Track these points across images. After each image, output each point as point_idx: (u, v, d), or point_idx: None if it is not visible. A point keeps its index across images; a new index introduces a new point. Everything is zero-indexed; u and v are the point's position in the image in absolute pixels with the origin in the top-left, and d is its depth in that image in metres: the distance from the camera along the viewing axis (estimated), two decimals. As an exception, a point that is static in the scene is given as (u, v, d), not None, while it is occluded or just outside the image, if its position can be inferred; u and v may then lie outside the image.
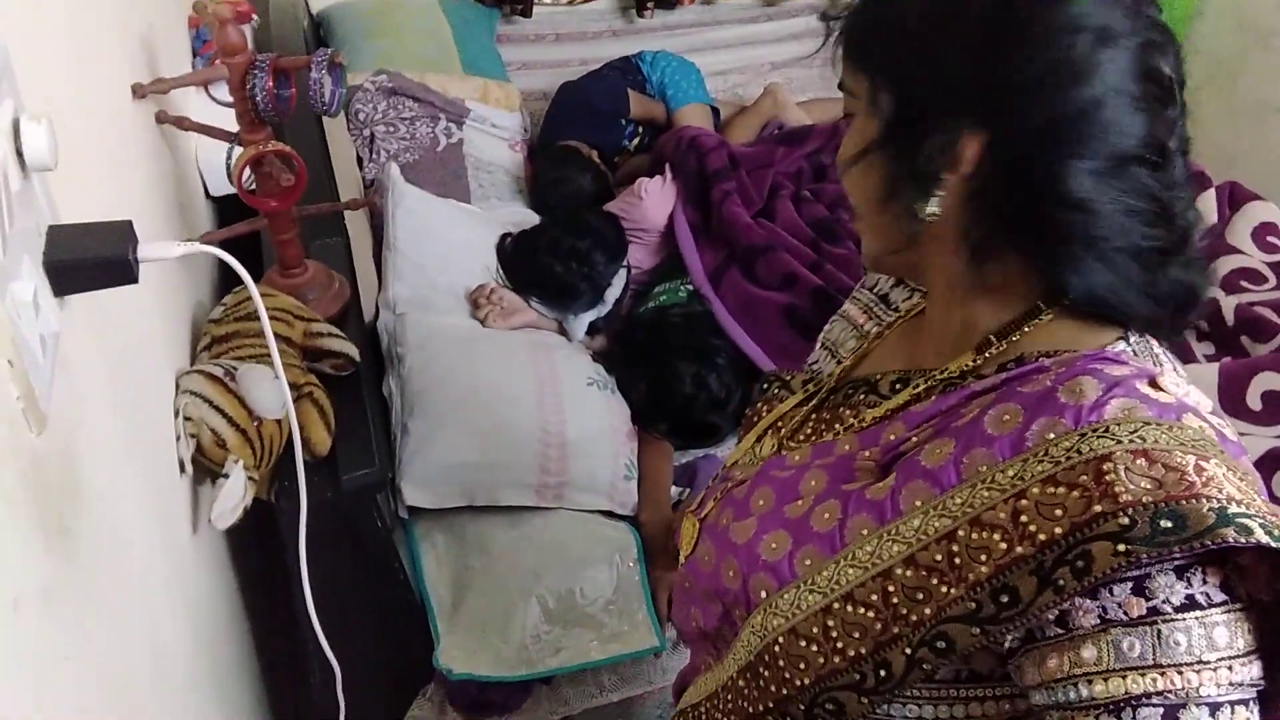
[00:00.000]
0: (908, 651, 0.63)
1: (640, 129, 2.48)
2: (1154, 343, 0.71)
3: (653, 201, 2.05)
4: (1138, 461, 0.58)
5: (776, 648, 0.69)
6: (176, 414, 1.11)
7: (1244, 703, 0.56)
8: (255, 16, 1.89)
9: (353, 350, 1.34)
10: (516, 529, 1.55)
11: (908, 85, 0.68)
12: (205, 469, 1.14)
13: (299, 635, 1.31)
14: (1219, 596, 0.56)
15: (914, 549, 0.64)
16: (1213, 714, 0.55)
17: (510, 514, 1.56)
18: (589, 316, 1.94)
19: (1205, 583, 0.56)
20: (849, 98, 0.72)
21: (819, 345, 0.98)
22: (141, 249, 0.64)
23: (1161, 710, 0.55)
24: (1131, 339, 0.69)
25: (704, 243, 2.00)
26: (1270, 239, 2.19)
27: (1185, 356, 2.03)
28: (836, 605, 0.67)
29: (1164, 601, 0.56)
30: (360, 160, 2.20)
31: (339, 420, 1.27)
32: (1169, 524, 0.55)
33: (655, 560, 1.56)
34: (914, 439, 0.69)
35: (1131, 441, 0.59)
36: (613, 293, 1.97)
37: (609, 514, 1.62)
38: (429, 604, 1.48)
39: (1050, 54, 0.63)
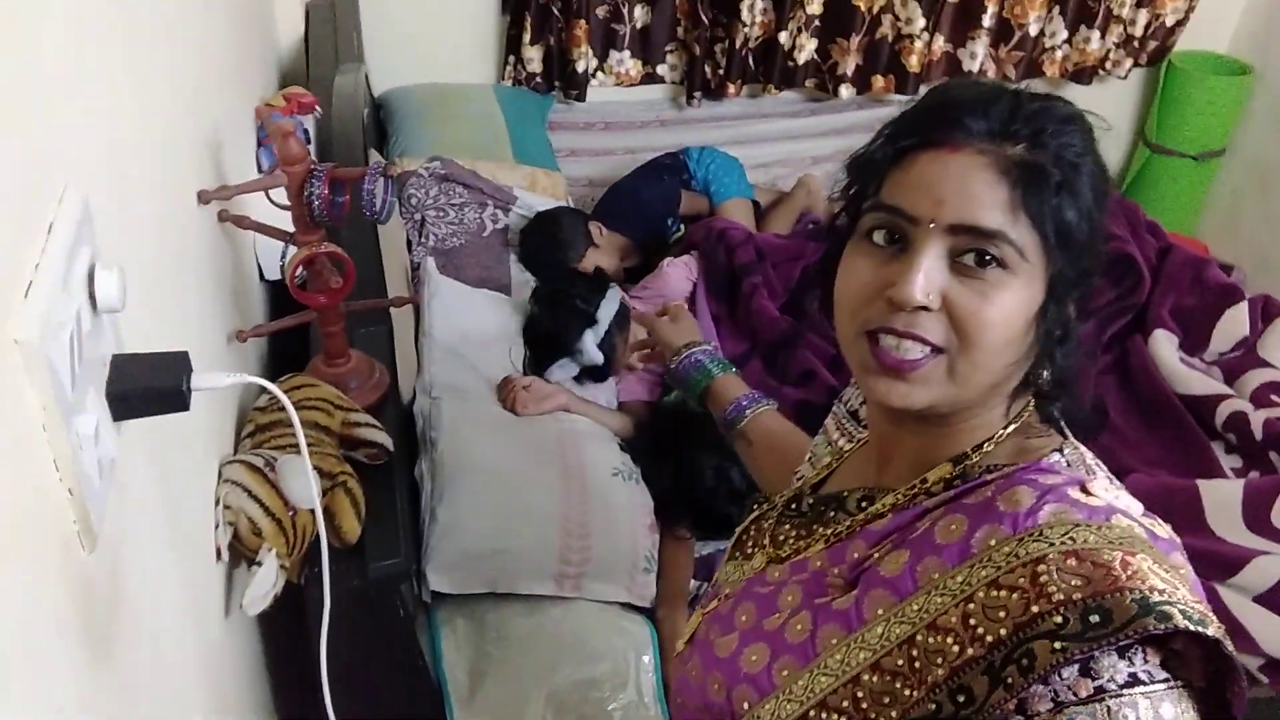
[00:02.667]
0: None
1: (684, 223, 2.55)
2: (1087, 454, 0.76)
3: (674, 270, 2.17)
4: (1069, 561, 0.63)
5: None
6: (217, 502, 1.18)
7: None
8: (319, 108, 2.00)
9: (388, 441, 1.40)
10: (533, 618, 1.59)
11: (1071, 258, 0.71)
12: (239, 554, 1.20)
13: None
14: (1161, 674, 0.60)
15: (879, 655, 0.68)
16: None
17: (529, 602, 1.60)
18: (590, 339, 1.98)
19: (1146, 661, 0.60)
20: (1014, 255, 0.69)
21: (806, 458, 1.01)
22: (195, 379, 0.70)
23: None
24: (1065, 451, 0.74)
25: (726, 333, 2.05)
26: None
27: (1212, 470, 2.03)
28: (812, 713, 0.70)
29: (1109, 680, 0.60)
30: (410, 244, 2.29)
31: (370, 508, 1.32)
32: (1097, 618, 0.60)
33: (669, 658, 1.59)
34: (875, 554, 0.74)
35: (1063, 543, 0.64)
36: (606, 312, 2.01)
37: (627, 606, 1.65)
38: (446, 690, 1.51)
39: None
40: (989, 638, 0.63)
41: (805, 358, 1.93)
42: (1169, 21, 3.21)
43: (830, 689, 0.70)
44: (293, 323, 1.39)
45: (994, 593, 0.64)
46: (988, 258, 0.69)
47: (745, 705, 0.75)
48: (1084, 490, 0.68)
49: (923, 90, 3.11)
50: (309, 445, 1.31)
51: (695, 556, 1.78)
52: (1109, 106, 3.41)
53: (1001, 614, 0.63)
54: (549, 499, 1.66)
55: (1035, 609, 0.62)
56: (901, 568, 0.70)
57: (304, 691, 1.47)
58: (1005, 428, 0.76)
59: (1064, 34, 3.15)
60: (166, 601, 0.93)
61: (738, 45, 2.89)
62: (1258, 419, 2.05)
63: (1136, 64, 3.28)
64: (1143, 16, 3.15)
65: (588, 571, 1.62)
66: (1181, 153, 3.27)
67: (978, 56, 3.10)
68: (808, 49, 3.01)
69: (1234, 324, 2.30)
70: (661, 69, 2.99)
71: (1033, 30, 3.09)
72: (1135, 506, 0.69)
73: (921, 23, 2.98)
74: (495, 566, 1.59)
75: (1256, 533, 1.84)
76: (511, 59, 2.88)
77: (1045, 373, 0.75)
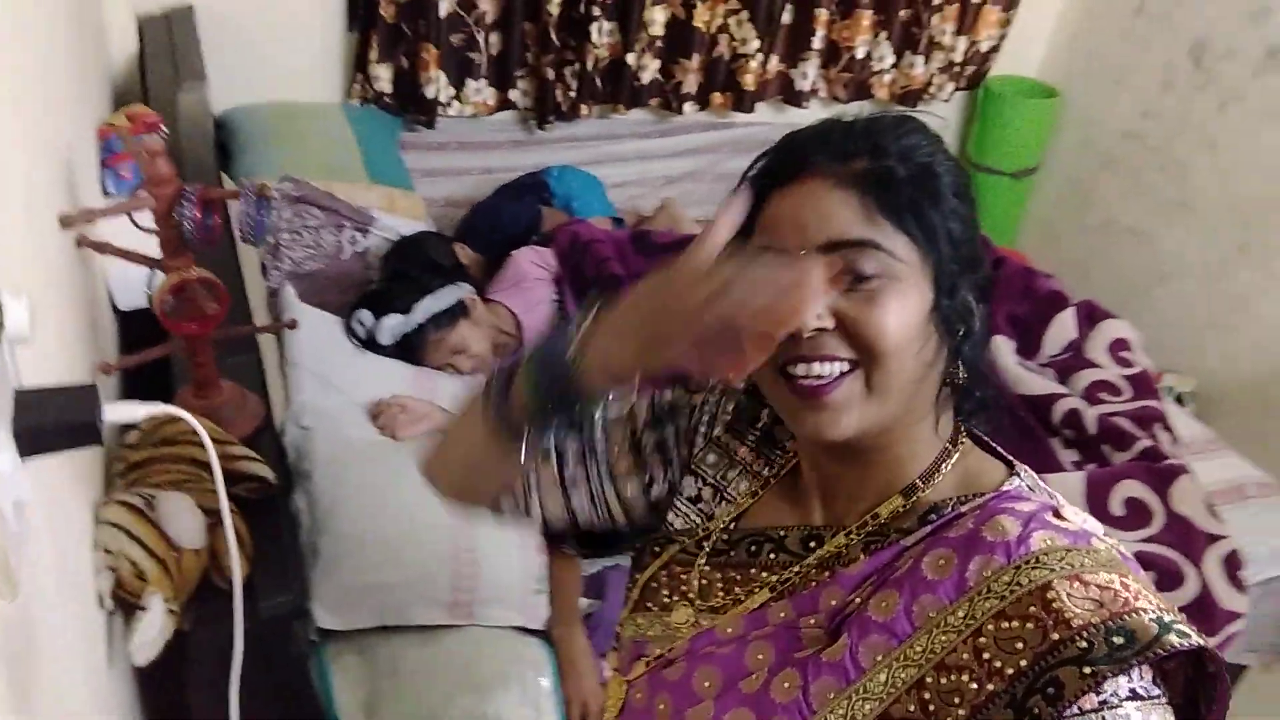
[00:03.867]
0: None
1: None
2: (1035, 476, 0.77)
3: (522, 256, 2.19)
4: (1074, 586, 0.63)
5: None
6: (95, 546, 1.10)
7: None
8: (164, 127, 1.90)
9: (269, 473, 1.34)
10: (428, 648, 1.55)
11: (948, 252, 0.72)
12: (123, 601, 1.12)
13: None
14: (1155, 690, 0.62)
15: (886, 704, 0.65)
16: None
17: (421, 632, 1.56)
18: (392, 322, 1.97)
19: (1143, 678, 0.61)
20: (887, 259, 0.70)
21: (694, 476, 0.90)
22: (107, 411, 0.66)
23: None
24: (1022, 475, 0.76)
25: None
26: (1123, 354, 2.38)
27: (1052, 464, 2.18)
28: None
29: (1112, 695, 0.60)
30: (264, 268, 2.20)
31: (255, 545, 1.26)
32: (1121, 640, 0.60)
33: (566, 676, 1.58)
34: (856, 599, 0.71)
35: (1063, 569, 0.64)
36: (424, 308, 2.01)
37: (520, 629, 1.63)
38: (338, 726, 1.46)
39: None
40: (1009, 670, 0.61)
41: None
42: (984, 48, 3.43)
43: None
44: (160, 352, 1.31)
45: (1004, 624, 0.63)
46: (863, 269, 0.70)
47: None
48: (1057, 515, 0.68)
49: (759, 108, 3.26)
50: (186, 482, 1.25)
51: (584, 575, 1.78)
52: (933, 128, 3.61)
53: (1019, 645, 0.62)
54: (435, 526, 1.62)
55: (1055, 636, 0.61)
56: (895, 610, 0.68)
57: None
58: (950, 456, 0.76)
59: (891, 58, 3.32)
60: (64, 651, 0.86)
61: (588, 67, 2.91)
62: (1091, 415, 2.21)
63: (958, 88, 3.49)
64: (962, 43, 3.36)
65: (479, 597, 1.59)
66: (999, 170, 3.50)
67: (809, 77, 3.23)
68: (651, 69, 3.07)
69: (1062, 328, 2.47)
70: (514, 95, 2.98)
71: (860, 54, 3.25)
72: (1097, 525, 0.71)
73: (756, 43, 3.09)
74: (384, 599, 1.54)
75: (1099, 520, 1.99)
76: (359, 77, 2.81)
77: (959, 369, 0.76)
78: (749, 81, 3.15)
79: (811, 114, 3.35)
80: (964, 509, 0.72)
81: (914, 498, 0.75)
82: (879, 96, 3.38)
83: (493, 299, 2.18)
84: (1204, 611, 1.84)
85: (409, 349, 2.00)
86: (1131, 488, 2.00)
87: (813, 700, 0.68)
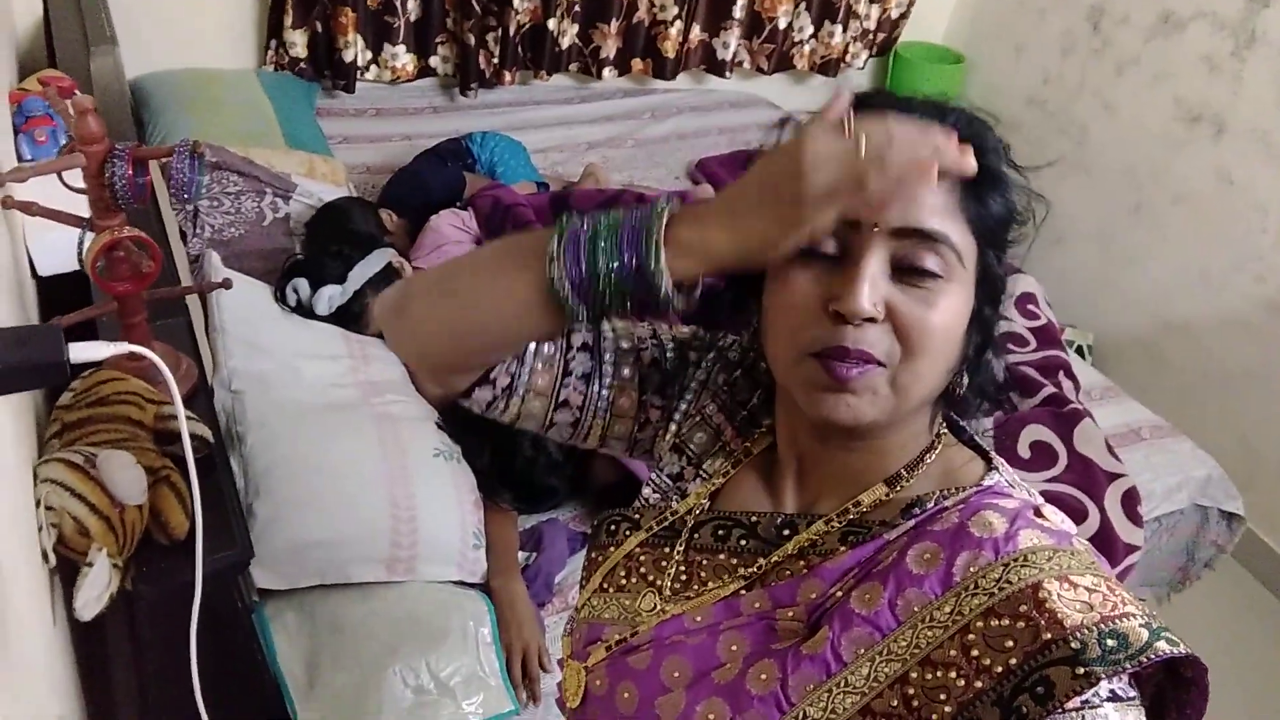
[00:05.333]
0: None
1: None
2: (1012, 471, 0.76)
3: (442, 221, 2.21)
4: (1064, 587, 0.61)
5: None
6: (38, 504, 1.10)
7: None
8: (78, 91, 1.86)
9: (206, 432, 1.35)
10: (368, 604, 1.57)
11: (998, 263, 0.71)
12: (66, 558, 1.13)
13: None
14: (1131, 692, 0.61)
15: (868, 698, 0.64)
16: None
17: (361, 589, 1.59)
18: (330, 292, 1.98)
19: (1121, 679, 0.60)
20: (953, 259, 0.68)
21: (679, 453, 0.88)
22: (73, 350, 0.67)
23: None
24: (1001, 469, 0.75)
25: None
26: (1029, 307, 2.50)
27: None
28: None
29: (1093, 695, 0.59)
30: (184, 235, 2.17)
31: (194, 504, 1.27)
32: (1114, 643, 0.59)
33: (506, 625, 1.62)
34: (838, 593, 0.69)
35: (1051, 568, 0.63)
36: (359, 273, 2.01)
37: (459, 583, 1.67)
38: (284, 684, 1.47)
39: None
40: (997, 668, 0.60)
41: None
42: (894, 15, 3.53)
43: None
44: (96, 312, 1.30)
45: (994, 621, 0.62)
46: (929, 265, 0.67)
47: None
48: (1038, 514, 0.68)
49: (681, 77, 3.30)
50: (124, 441, 1.25)
51: (521, 529, 1.81)
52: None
53: (1009, 643, 0.60)
54: (372, 484, 1.64)
55: (1048, 635, 0.59)
56: (879, 603, 0.66)
57: (119, 703, 1.39)
58: (932, 447, 0.75)
59: (810, 29, 3.39)
60: (18, 609, 0.87)
61: (510, 33, 2.92)
62: (998, 365, 2.32)
63: (870, 55, 3.58)
64: (875, 11, 3.45)
65: (419, 553, 1.61)
66: (910, 135, 3.61)
67: (730, 47, 3.29)
68: (570, 34, 3.09)
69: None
70: (434, 61, 2.98)
71: (781, 24, 3.31)
72: (1069, 523, 0.70)
73: (675, 10, 3.13)
74: (323, 557, 1.56)
75: (1008, 463, 2.10)
76: (273, 43, 2.77)
77: (964, 376, 0.73)
78: (668, 49, 3.19)
79: (734, 84, 3.42)
80: (947, 503, 0.71)
81: (896, 488, 0.74)
82: (800, 67, 3.45)
83: (417, 265, 2.19)
84: (1105, 544, 1.97)
85: (346, 317, 2.00)
86: (1038, 431, 2.11)
87: (791, 693, 0.66)
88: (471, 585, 1.68)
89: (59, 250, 1.47)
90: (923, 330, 0.67)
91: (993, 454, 0.77)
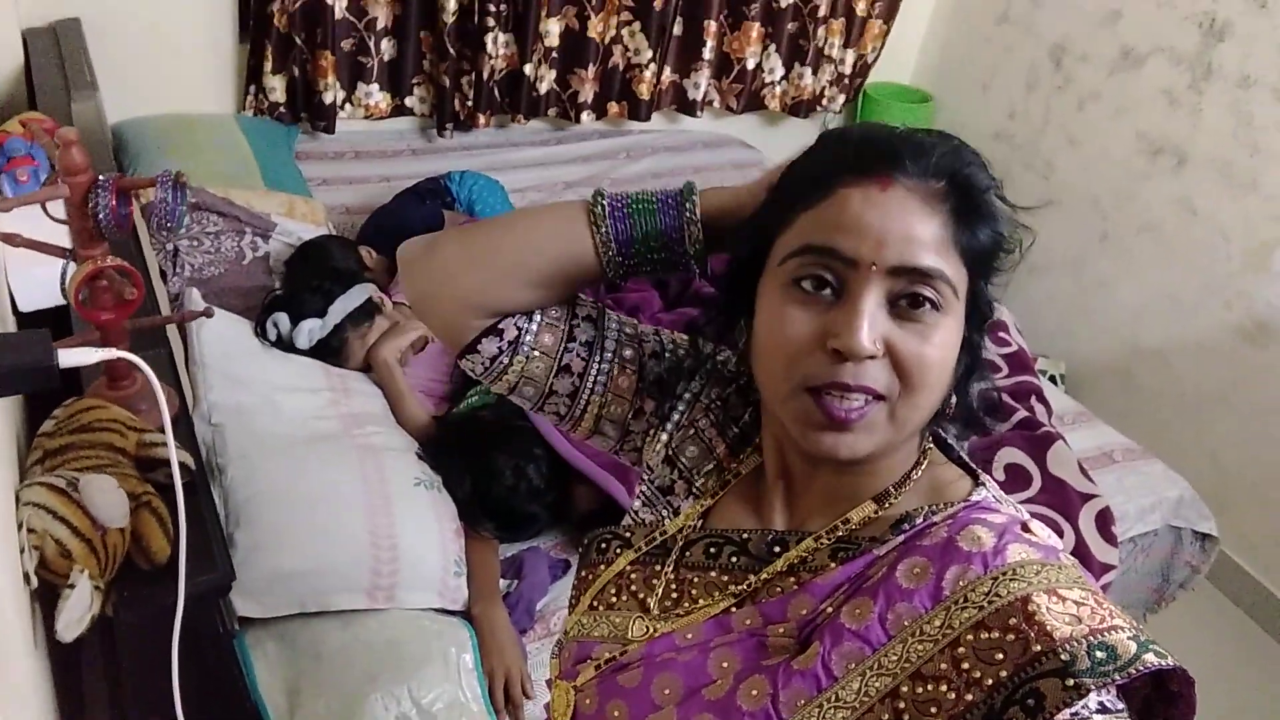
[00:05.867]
0: None
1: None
2: (997, 487, 0.77)
3: None
4: (1053, 600, 0.62)
5: None
6: (20, 527, 1.11)
7: None
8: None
9: (188, 458, 1.36)
10: (349, 631, 1.58)
11: (988, 290, 0.74)
12: (47, 581, 1.13)
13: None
14: (1120, 704, 0.61)
15: (859, 712, 0.64)
16: None
17: (342, 617, 1.59)
18: (310, 325, 2.00)
19: (1109, 692, 0.61)
20: (948, 292, 0.69)
21: (671, 465, 0.90)
22: (62, 355, 0.69)
23: None
24: (988, 485, 0.76)
25: None
26: (1000, 334, 2.55)
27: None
28: None
29: (1082, 707, 0.59)
30: (164, 274, 2.19)
31: (179, 527, 1.28)
32: (1103, 655, 0.59)
33: (488, 651, 1.62)
34: (828, 609, 0.70)
35: (1040, 582, 0.63)
36: (339, 308, 2.04)
37: (440, 611, 1.67)
38: (264, 712, 1.47)
39: None
40: (987, 681, 0.61)
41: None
42: (870, 59, 3.61)
43: None
44: (79, 342, 1.32)
45: (984, 634, 0.62)
46: (922, 299, 0.68)
47: None
48: (1025, 529, 0.69)
49: (656, 118, 3.36)
50: (106, 467, 1.26)
51: (502, 558, 1.82)
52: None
53: (999, 655, 0.61)
54: (353, 513, 1.65)
55: (1037, 648, 0.60)
56: (869, 618, 0.67)
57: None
58: (920, 463, 0.76)
59: (781, 70, 3.47)
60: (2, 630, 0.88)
61: (485, 77, 2.97)
62: (973, 390, 2.36)
63: (847, 99, 3.66)
64: (850, 55, 3.53)
65: (399, 581, 1.62)
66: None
67: (701, 87, 3.35)
68: (548, 79, 3.15)
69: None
70: (410, 101, 3.02)
71: (750, 64, 3.39)
72: (1056, 538, 0.71)
73: (649, 54, 3.19)
74: (303, 586, 1.56)
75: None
76: (252, 89, 2.81)
77: (952, 400, 0.76)
78: (643, 91, 3.25)
79: (707, 124, 3.49)
80: (935, 518, 0.72)
81: (885, 505, 0.75)
82: (771, 107, 3.52)
83: (398, 301, 2.21)
84: (1081, 564, 1.99)
85: (327, 351, 2.02)
86: (1011, 454, 2.14)
87: (782, 708, 0.67)
88: (453, 613, 1.68)
89: (40, 285, 1.48)
90: (921, 365, 0.68)
91: (979, 471, 0.78)
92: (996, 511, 0.71)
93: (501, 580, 1.76)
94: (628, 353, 0.90)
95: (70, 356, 0.71)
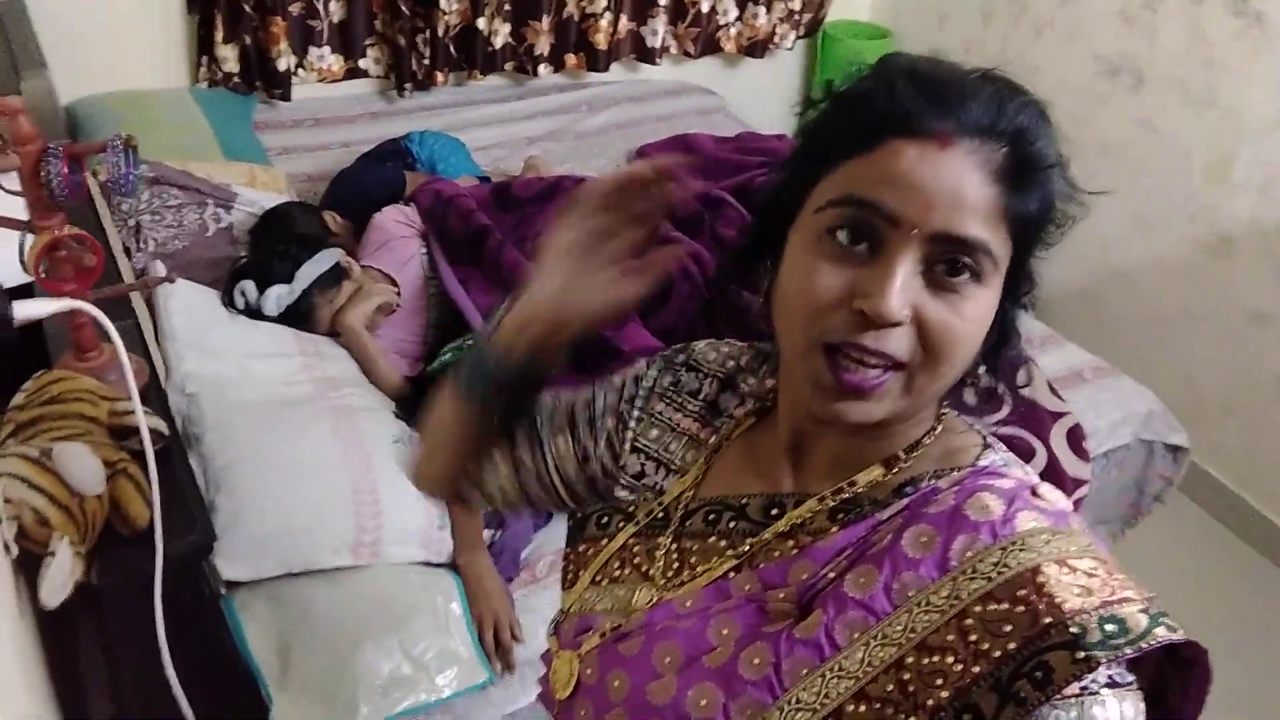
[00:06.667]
0: None
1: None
2: (1006, 449, 0.75)
3: (385, 218, 2.23)
4: (1062, 570, 0.61)
5: None
6: (-4, 498, 1.11)
7: None
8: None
9: (162, 425, 1.36)
10: (336, 589, 1.59)
11: (1033, 262, 0.70)
12: (28, 552, 1.14)
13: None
14: (1129, 677, 0.60)
15: (863, 682, 0.63)
16: None
17: (328, 575, 1.60)
18: (278, 291, 2.01)
19: (1120, 665, 0.60)
20: (983, 259, 0.65)
21: (636, 453, 0.89)
22: (17, 307, 0.69)
23: None
24: (996, 449, 0.74)
25: (478, 289, 2.11)
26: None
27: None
28: None
29: (1091, 681, 0.59)
30: (129, 251, 2.17)
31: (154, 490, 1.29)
32: (1113, 628, 0.58)
33: (475, 598, 1.64)
34: (830, 574, 0.69)
35: (1050, 551, 0.62)
36: (306, 273, 2.05)
37: (426, 564, 1.69)
38: (258, 672, 1.49)
39: None
40: (995, 653, 0.59)
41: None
42: (824, -3, 3.60)
43: None
44: (52, 309, 1.32)
45: (991, 605, 0.61)
46: (961, 266, 0.65)
47: None
48: (1035, 494, 0.67)
49: (615, 68, 3.34)
50: (79, 436, 1.27)
51: (484, 511, 1.84)
52: (781, 77, 3.78)
53: (1007, 627, 0.60)
54: (333, 473, 1.66)
55: (1047, 620, 0.59)
56: (874, 586, 0.65)
57: (91, 699, 1.39)
58: (934, 428, 0.74)
59: (735, 11, 3.45)
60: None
61: (439, 33, 2.94)
62: (1002, 362, 2.38)
63: (798, 36, 3.65)
64: (800, -9, 3.51)
65: (384, 537, 1.63)
66: (845, 112, 3.68)
67: (659, 34, 3.33)
68: (503, 33, 3.12)
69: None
70: (364, 63, 3.00)
71: (705, 7, 3.37)
72: (1065, 500, 0.68)
73: (604, 2, 3.17)
74: (288, 546, 1.58)
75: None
76: (205, 60, 2.78)
77: (980, 372, 0.73)
78: (600, 41, 3.23)
79: (667, 71, 3.47)
80: (941, 484, 0.70)
81: (894, 470, 0.72)
82: (727, 49, 3.51)
83: (365, 264, 2.21)
84: (1053, 480, 2.00)
85: (295, 317, 2.02)
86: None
87: (785, 677, 0.66)
88: (438, 566, 1.70)
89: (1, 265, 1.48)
90: (948, 337, 0.65)
91: (987, 434, 0.75)
92: (1005, 477, 0.69)
93: (485, 531, 1.78)
94: (557, 420, 0.91)
95: (25, 308, 0.71)
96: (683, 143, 2.98)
